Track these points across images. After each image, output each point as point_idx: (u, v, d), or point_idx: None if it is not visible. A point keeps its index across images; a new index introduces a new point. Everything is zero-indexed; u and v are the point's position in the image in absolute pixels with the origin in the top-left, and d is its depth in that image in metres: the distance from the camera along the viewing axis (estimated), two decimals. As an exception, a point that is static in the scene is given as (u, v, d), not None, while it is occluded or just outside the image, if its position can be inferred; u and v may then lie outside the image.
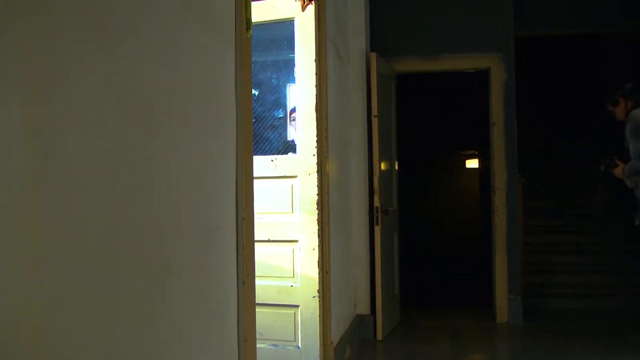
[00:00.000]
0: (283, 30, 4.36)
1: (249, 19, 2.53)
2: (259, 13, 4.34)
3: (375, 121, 5.59)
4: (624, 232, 7.90)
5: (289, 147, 4.36)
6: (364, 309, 5.80)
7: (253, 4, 4.34)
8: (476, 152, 12.10)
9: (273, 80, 4.49)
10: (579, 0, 7.01)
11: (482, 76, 6.86)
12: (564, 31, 7.35)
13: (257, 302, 4.14)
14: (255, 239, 4.17)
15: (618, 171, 5.28)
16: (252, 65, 4.52)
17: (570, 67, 9.98)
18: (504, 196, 6.42)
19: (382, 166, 5.76)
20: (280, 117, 4.45)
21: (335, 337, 4.43)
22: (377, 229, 5.58)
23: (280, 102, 4.44)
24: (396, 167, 6.37)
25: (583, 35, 7.63)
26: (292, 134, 4.38)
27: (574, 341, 5.61)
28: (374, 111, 5.59)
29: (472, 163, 12.51)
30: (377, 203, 5.56)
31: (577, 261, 7.89)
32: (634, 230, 7.63)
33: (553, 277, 7.73)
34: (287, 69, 4.36)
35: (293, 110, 4.35)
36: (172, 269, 1.88)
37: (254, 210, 2.57)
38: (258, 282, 4.13)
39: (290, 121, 4.38)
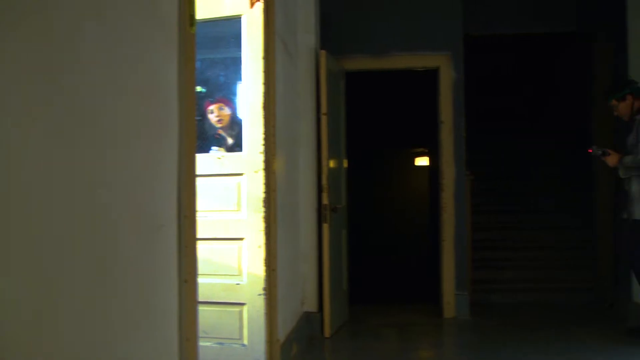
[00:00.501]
0: (231, 27, 4.33)
1: (192, 14, 2.51)
2: (207, 10, 4.31)
3: (324, 119, 5.60)
4: (572, 229, 8.09)
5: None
6: (311, 306, 5.82)
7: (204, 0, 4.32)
8: (426, 150, 12.22)
9: (221, 77, 4.46)
10: (527, 1, 7.13)
11: (433, 74, 6.93)
12: (513, 30, 7.47)
13: (203, 300, 4.13)
14: (202, 237, 4.17)
15: (612, 159, 5.36)
16: (200, 62, 4.51)
17: (520, 66, 10.17)
18: (452, 193, 6.50)
19: (331, 164, 5.78)
20: (232, 117, 4.42)
21: (281, 334, 4.43)
22: (326, 227, 5.59)
23: (228, 99, 4.41)
24: (345, 165, 6.39)
25: (532, 35, 7.76)
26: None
27: (519, 335, 5.71)
28: (323, 109, 5.60)
29: (422, 161, 12.65)
30: (325, 200, 5.58)
31: (524, 257, 8.04)
32: (582, 227, 7.85)
33: (501, 273, 7.86)
34: (234, 66, 4.33)
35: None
36: (109, 268, 1.86)
37: (196, 209, 2.55)
38: (204, 280, 4.12)
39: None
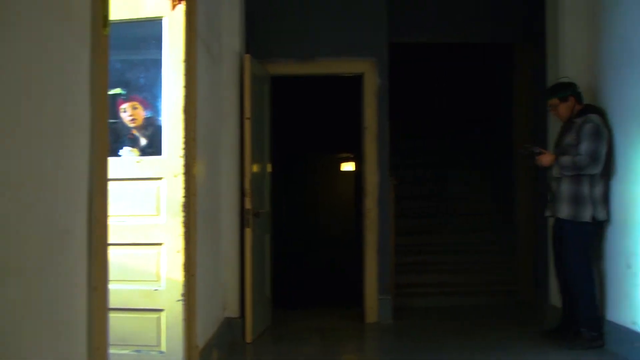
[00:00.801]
0: (152, 29, 4.25)
1: (106, 15, 2.46)
2: (128, 10, 4.23)
3: (247, 123, 5.57)
4: (494, 232, 8.30)
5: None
6: (233, 311, 5.77)
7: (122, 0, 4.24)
8: (352, 156, 12.32)
9: (141, 79, 4.38)
10: (450, 10, 7.28)
11: (359, 80, 6.98)
12: (438, 39, 7.62)
13: (120, 307, 4.04)
14: (119, 242, 4.09)
15: (546, 158, 5.41)
16: (120, 64, 4.42)
17: (446, 72, 10.37)
18: (376, 198, 6.56)
19: (254, 168, 5.76)
20: (147, 117, 4.33)
21: (201, 340, 4.37)
22: (248, 231, 5.56)
23: (148, 102, 4.33)
24: (269, 170, 6.38)
25: (454, 43, 7.94)
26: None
27: (441, 338, 5.82)
28: (247, 113, 5.57)
29: (348, 166, 12.74)
30: (248, 205, 5.54)
31: (447, 260, 8.18)
32: (503, 230, 8.05)
33: (424, 277, 7.97)
34: (155, 68, 4.25)
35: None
36: (13, 273, 1.79)
37: (108, 213, 2.49)
38: (121, 286, 4.04)
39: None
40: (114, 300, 3.99)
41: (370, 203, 6.56)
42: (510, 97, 7.84)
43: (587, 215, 5.16)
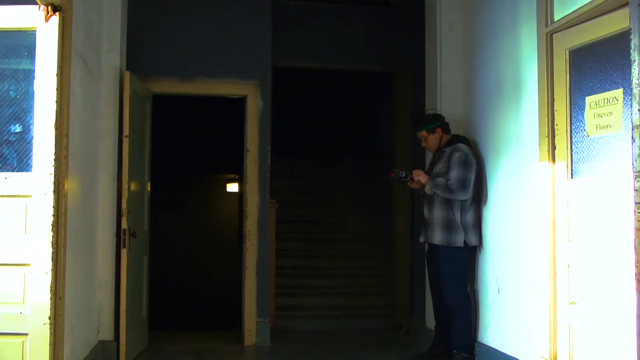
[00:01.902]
0: (25, 39, 4.10)
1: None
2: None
3: (126, 141, 5.44)
4: (373, 256, 8.44)
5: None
6: (108, 334, 5.59)
7: (-7, 9, 4.06)
8: (236, 177, 12.28)
9: (11, 92, 4.19)
10: (335, 38, 7.42)
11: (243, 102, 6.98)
12: (322, 64, 7.74)
13: (-20, 330, 3.84)
14: (-18, 261, 3.89)
15: (420, 175, 5.50)
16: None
17: (330, 97, 10.55)
18: (256, 221, 6.55)
19: (133, 187, 5.62)
20: (17, 132, 4.16)
21: (69, 365, 4.21)
22: (124, 252, 5.40)
23: (18, 116, 4.14)
24: (148, 189, 6.24)
25: (334, 69, 8.09)
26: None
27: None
28: (125, 131, 5.44)
29: (233, 187, 12.67)
30: (124, 225, 5.39)
31: (327, 284, 8.26)
32: (382, 254, 8.21)
33: (303, 300, 8.02)
34: (27, 80, 4.10)
35: None
36: None
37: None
38: (-19, 308, 3.85)
39: None
40: (-26, 323, 3.81)
41: (251, 225, 6.54)
42: (392, 123, 8.04)
43: (459, 240, 5.33)
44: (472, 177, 5.31)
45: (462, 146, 5.41)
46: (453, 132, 5.67)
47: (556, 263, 4.33)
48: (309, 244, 8.76)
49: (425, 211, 5.58)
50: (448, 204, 5.36)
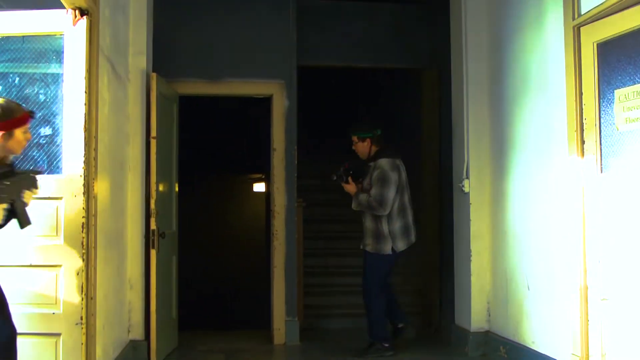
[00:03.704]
0: (53, 43, 4.16)
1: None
2: (28, 24, 4.14)
3: (153, 142, 5.48)
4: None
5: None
6: (138, 334, 5.64)
7: (21, 13, 4.13)
8: (263, 176, 12.32)
9: (41, 95, 4.25)
10: (361, 36, 7.39)
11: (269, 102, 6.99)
12: (348, 63, 7.72)
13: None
14: (15, 263, 3.96)
15: (350, 188, 5.89)
16: (19, 78, 4.29)
17: (357, 95, 10.52)
18: (283, 220, 6.57)
19: (161, 188, 5.66)
20: (47, 135, 4.21)
21: (101, 365, 4.26)
22: (153, 252, 5.44)
23: (47, 119, 4.20)
24: (177, 189, 6.28)
25: (360, 68, 8.06)
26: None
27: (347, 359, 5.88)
28: (153, 132, 5.49)
29: (259, 186, 12.71)
30: (153, 226, 5.43)
31: (355, 282, 8.22)
32: (410, 253, 8.17)
33: (332, 298, 8.01)
34: (55, 83, 4.15)
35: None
36: None
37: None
38: (16, 309, 3.90)
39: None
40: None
41: (278, 225, 6.57)
42: (418, 121, 7.99)
43: (387, 248, 5.74)
44: (391, 193, 5.65)
45: (383, 162, 5.72)
46: (478, 129, 5.78)
47: (586, 259, 4.27)
48: (336, 242, 8.74)
49: (363, 220, 5.92)
50: (376, 216, 5.73)
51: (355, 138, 5.90)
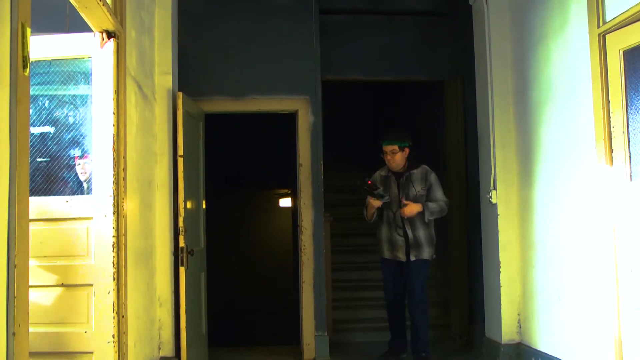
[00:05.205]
0: (81, 65, 4.24)
1: (26, 56, 2.43)
2: (55, 47, 4.21)
3: (180, 161, 5.53)
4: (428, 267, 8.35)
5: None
6: (168, 351, 5.66)
7: (50, 37, 4.21)
8: (289, 192, 12.35)
9: (70, 117, 4.33)
10: (378, 50, 7.41)
11: (294, 117, 7.03)
12: (369, 77, 7.74)
13: (48, 350, 3.96)
14: (47, 283, 4.01)
15: (412, 209, 5.75)
16: (49, 101, 4.37)
17: (375, 109, 10.52)
18: (311, 235, 6.58)
19: (189, 205, 5.70)
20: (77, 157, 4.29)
21: (133, 383, 4.29)
22: (182, 270, 5.48)
23: (77, 140, 4.28)
24: (204, 206, 6.33)
25: (383, 81, 8.08)
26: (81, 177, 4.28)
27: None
28: (180, 151, 5.54)
29: (286, 202, 12.74)
30: (182, 243, 5.47)
31: (378, 296, 8.20)
32: (437, 266, 8.14)
33: (360, 312, 7.99)
34: (84, 105, 4.23)
35: (79, 157, 4.24)
36: None
37: (28, 257, 2.44)
38: (48, 329, 3.97)
39: (76, 165, 4.26)
40: (41, 344, 3.93)
41: (306, 240, 6.57)
42: (442, 132, 7.97)
43: (434, 253, 5.95)
44: None
45: (427, 168, 5.91)
46: (504, 139, 5.84)
47: (618, 269, 4.22)
48: (363, 256, 8.72)
49: (409, 232, 5.83)
50: (429, 223, 5.85)
51: (396, 147, 5.83)
